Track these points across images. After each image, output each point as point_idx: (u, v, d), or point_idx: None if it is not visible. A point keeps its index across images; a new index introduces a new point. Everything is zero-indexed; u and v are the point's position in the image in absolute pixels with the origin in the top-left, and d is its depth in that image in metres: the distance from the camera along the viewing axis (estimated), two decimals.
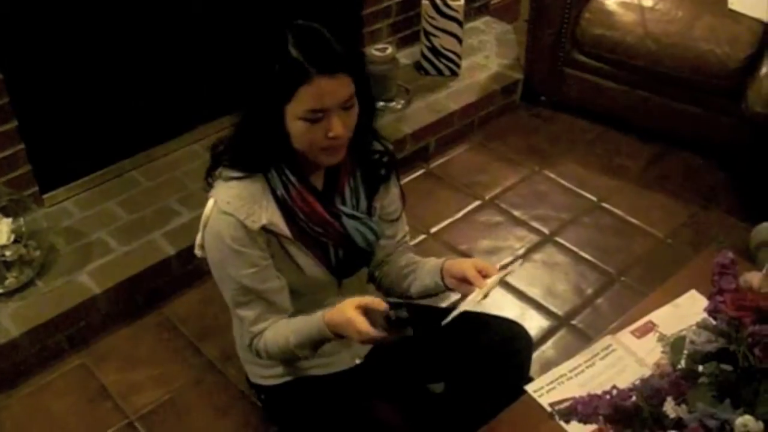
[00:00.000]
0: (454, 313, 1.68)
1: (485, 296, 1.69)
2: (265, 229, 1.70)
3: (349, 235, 1.78)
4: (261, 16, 2.98)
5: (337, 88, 1.58)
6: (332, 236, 1.77)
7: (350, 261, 1.86)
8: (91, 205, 2.78)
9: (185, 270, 2.64)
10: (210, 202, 1.74)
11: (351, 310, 1.61)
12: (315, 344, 1.75)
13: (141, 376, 2.39)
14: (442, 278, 1.84)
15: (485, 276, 1.71)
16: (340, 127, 1.61)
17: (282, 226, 1.72)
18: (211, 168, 1.78)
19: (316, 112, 1.59)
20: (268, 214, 1.70)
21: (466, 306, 1.68)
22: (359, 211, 1.80)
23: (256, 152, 1.68)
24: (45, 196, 2.73)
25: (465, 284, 1.77)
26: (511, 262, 1.73)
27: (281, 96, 1.59)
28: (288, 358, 1.82)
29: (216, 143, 1.79)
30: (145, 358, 2.45)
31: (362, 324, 1.59)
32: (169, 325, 2.56)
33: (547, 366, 2.27)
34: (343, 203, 1.79)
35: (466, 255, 2.81)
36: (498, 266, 1.74)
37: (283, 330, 1.76)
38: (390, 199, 1.92)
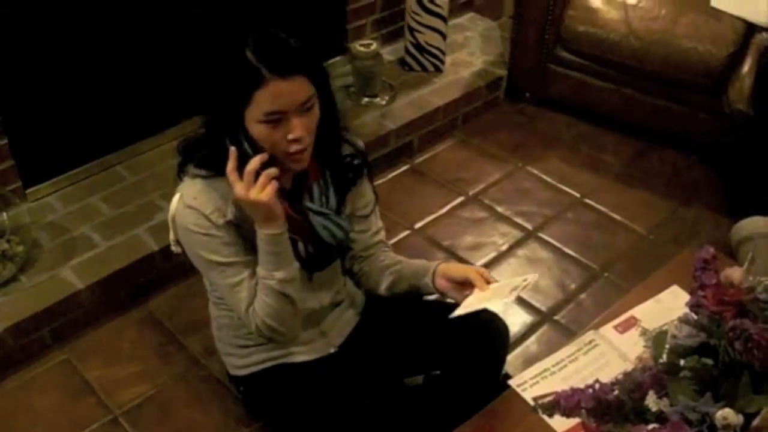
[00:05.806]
0: (466, 310, 1.70)
1: (510, 299, 1.68)
2: (233, 224, 1.72)
3: (316, 232, 1.79)
4: (238, 15, 2.97)
5: (292, 89, 1.59)
6: (299, 232, 1.77)
7: (321, 256, 1.86)
8: (74, 200, 2.76)
9: (168, 265, 2.63)
10: (176, 197, 1.75)
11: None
12: (276, 256, 1.71)
13: (125, 371, 2.38)
14: (434, 280, 1.85)
15: (487, 282, 1.74)
16: (300, 128, 1.61)
17: (249, 222, 1.72)
18: (182, 164, 1.78)
19: (274, 114, 1.59)
20: (235, 210, 1.71)
21: (476, 305, 1.70)
22: (328, 208, 1.81)
23: (221, 155, 1.66)
24: (28, 191, 2.72)
25: (460, 288, 1.79)
26: (516, 281, 1.70)
27: (239, 100, 1.60)
28: (281, 305, 1.75)
29: (182, 142, 1.81)
30: (128, 354, 2.44)
31: (237, 184, 1.62)
32: (152, 321, 2.55)
33: (530, 361, 2.28)
34: (311, 200, 1.79)
35: (449, 251, 2.82)
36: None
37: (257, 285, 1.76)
38: (360, 194, 1.93)
